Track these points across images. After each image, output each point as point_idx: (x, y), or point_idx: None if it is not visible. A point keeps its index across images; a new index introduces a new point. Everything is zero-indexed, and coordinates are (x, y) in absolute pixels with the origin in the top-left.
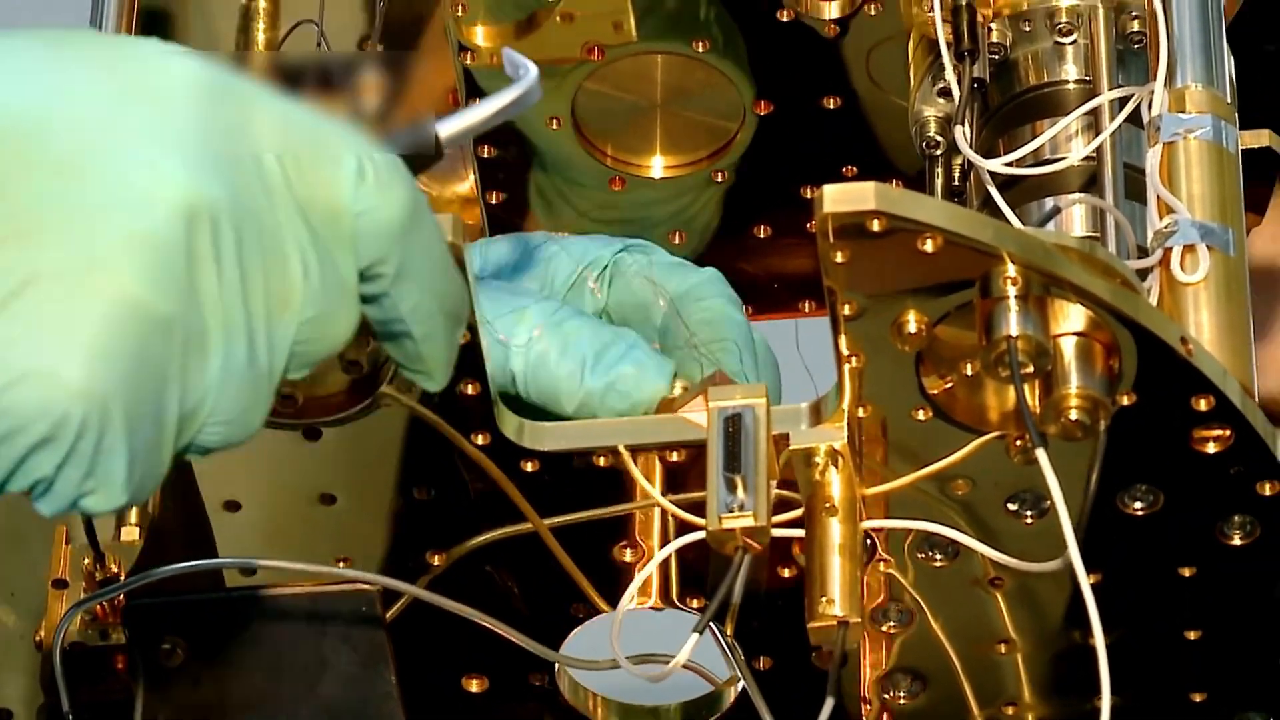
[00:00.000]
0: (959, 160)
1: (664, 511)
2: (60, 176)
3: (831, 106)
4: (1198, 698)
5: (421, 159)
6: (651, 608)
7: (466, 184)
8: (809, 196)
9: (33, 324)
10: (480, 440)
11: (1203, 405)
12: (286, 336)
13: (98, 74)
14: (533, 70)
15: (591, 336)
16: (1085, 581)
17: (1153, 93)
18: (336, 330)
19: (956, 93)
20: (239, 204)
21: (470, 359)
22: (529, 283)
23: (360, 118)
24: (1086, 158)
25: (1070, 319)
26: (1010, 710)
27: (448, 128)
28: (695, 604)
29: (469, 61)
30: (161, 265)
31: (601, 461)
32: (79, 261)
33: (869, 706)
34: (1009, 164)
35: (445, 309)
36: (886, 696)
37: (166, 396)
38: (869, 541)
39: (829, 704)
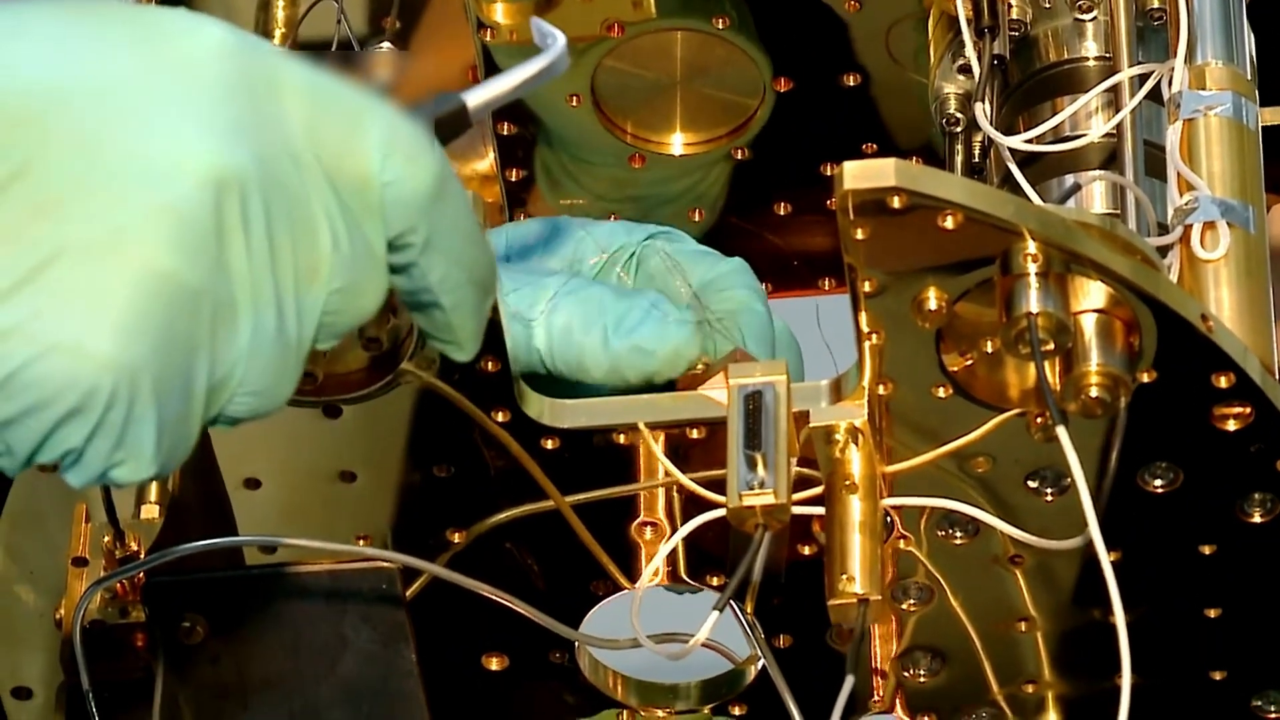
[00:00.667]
0: (979, 137)
1: (683, 489)
2: (86, 149)
3: (851, 83)
4: (1218, 676)
5: (450, 128)
6: (671, 585)
7: (486, 161)
8: (829, 173)
9: (61, 296)
10: (500, 417)
11: (1223, 382)
12: (315, 307)
13: (123, 44)
14: (560, 39)
15: (613, 303)
16: (1105, 559)
17: (1173, 69)
18: (365, 300)
19: (976, 69)
20: (267, 174)
21: (490, 336)
22: (554, 264)
23: (381, 93)
24: (1107, 135)
25: (1091, 296)
26: (1030, 688)
27: (476, 97)
28: (715, 582)
29: (488, 39)
30: (189, 236)
31: (622, 439)
32: (106, 233)
33: (885, 682)
34: (1029, 141)
35: (474, 279)
36: (906, 674)
37: (195, 367)
38: (889, 519)
39: (849, 681)
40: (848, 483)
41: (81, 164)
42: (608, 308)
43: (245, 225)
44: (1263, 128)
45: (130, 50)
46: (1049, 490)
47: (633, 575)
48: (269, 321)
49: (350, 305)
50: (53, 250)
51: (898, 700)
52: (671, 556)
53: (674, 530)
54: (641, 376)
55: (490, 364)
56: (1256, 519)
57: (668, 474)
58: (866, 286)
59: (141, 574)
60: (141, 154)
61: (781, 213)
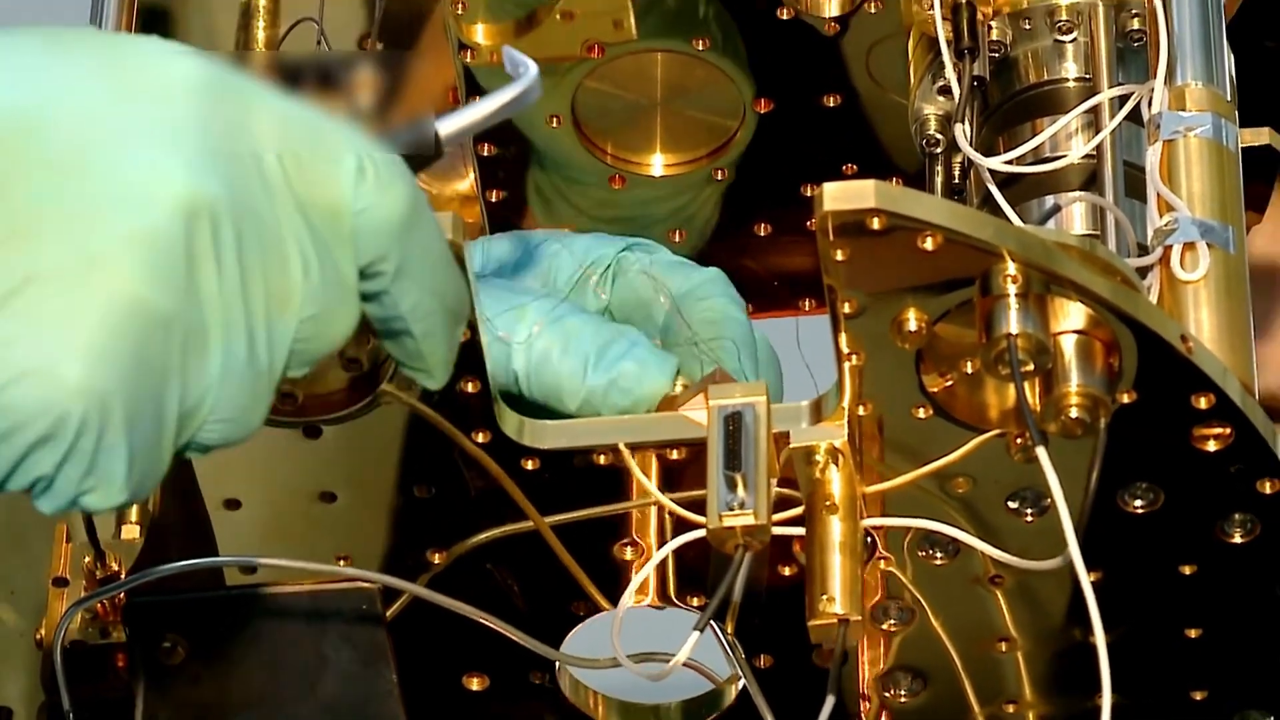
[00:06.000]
0: (959, 158)
1: (664, 509)
2: (60, 175)
3: (831, 104)
4: (1198, 696)
5: (421, 157)
6: (652, 606)
7: (466, 182)
8: (809, 194)
9: (33, 322)
10: (480, 438)
11: (1203, 403)
12: (286, 334)
13: (98, 72)
14: (532, 68)
15: (594, 334)
16: (1086, 579)
17: (1153, 90)
18: (336, 328)
19: (956, 90)
20: (239, 202)
21: (470, 357)
22: (531, 281)
23: (360, 116)
24: (1086, 156)
25: (1070, 317)
26: (1011, 708)
27: (448, 125)
28: (695, 602)
29: (469, 59)
30: (161, 263)
31: (602, 460)
32: (79, 260)
33: (869, 704)
34: (1009, 162)
35: (445, 307)
36: (887, 695)
37: (166, 394)
38: (869, 539)
39: (829, 702)
40: (828, 503)
41: (55, 190)
42: (589, 339)
43: (217, 253)
44: (1242, 148)
45: (104, 78)
46: (1029, 511)
47: (615, 595)
48: (240, 349)
49: (321, 333)
50: (25, 276)
51: None
52: (655, 576)
53: (656, 550)
54: (615, 413)
55: (470, 385)
56: (1237, 539)
57: (647, 494)
58: (846, 307)
59: (122, 594)
60: (115, 181)
61: (762, 233)
